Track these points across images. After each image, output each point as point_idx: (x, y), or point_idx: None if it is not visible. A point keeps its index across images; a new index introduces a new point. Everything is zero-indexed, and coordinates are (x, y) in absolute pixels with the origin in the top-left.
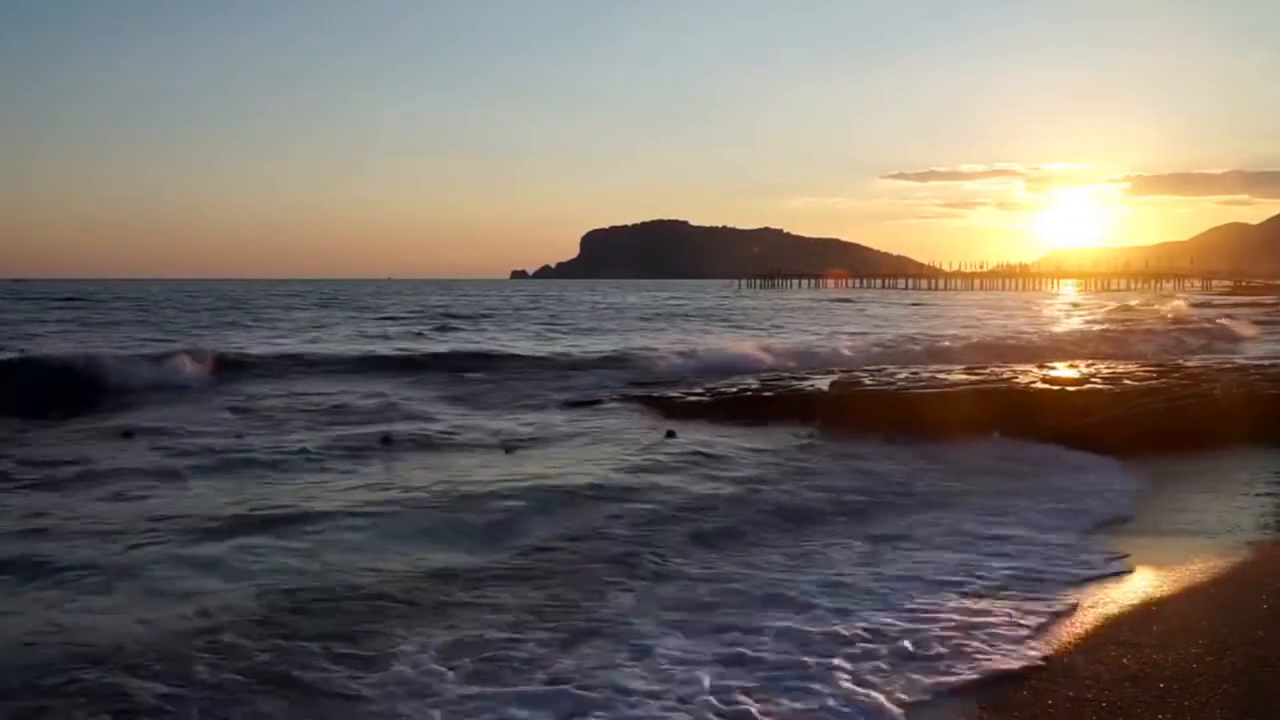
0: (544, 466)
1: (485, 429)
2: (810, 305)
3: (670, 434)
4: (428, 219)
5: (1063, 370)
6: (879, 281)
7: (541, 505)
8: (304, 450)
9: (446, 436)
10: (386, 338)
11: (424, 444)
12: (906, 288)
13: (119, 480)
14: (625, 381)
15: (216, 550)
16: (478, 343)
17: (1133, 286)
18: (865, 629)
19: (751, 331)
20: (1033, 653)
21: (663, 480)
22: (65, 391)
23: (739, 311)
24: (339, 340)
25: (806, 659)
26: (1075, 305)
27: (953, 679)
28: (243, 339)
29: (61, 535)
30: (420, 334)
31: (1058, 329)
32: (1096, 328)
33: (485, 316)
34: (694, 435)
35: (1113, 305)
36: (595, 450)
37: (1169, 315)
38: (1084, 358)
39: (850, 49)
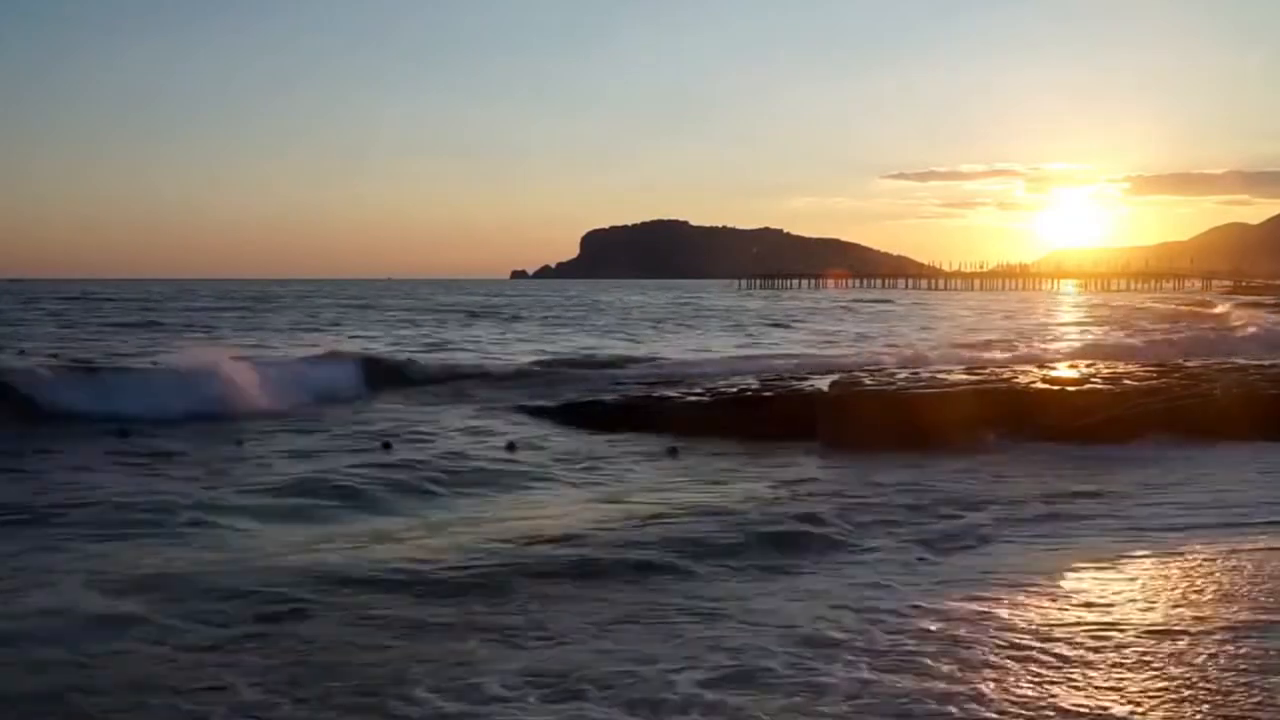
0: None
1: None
2: (853, 305)
3: (672, 451)
4: (428, 219)
5: (1063, 370)
6: (879, 281)
7: None
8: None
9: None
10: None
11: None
12: (907, 287)
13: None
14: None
15: None
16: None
17: (1133, 286)
18: None
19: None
20: None
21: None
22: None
23: (797, 315)
24: (426, 344)
25: None
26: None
27: None
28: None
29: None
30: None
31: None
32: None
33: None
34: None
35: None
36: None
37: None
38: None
39: (850, 49)
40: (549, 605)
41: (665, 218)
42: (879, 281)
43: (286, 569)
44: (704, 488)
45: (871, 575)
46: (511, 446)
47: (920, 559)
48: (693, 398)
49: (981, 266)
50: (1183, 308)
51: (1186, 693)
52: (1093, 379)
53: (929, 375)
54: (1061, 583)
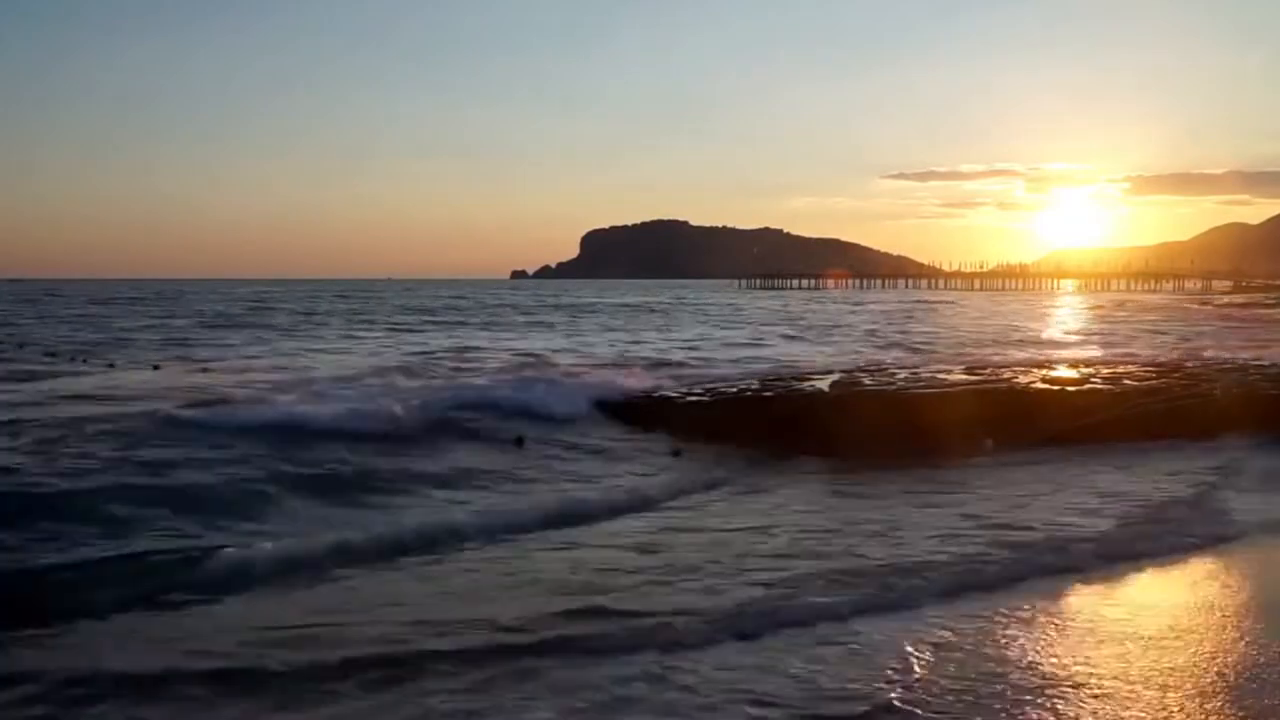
0: None
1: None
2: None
3: (676, 453)
4: (428, 219)
5: (1063, 370)
6: (879, 282)
7: None
8: None
9: None
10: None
11: None
12: (907, 287)
13: None
14: None
15: None
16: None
17: (1133, 287)
18: None
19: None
20: None
21: None
22: None
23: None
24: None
25: None
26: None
27: None
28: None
29: None
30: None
31: None
32: None
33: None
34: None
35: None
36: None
37: None
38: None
39: (850, 49)
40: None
41: (665, 218)
42: (879, 282)
43: None
44: (702, 524)
45: None
46: (520, 441)
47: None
48: (693, 398)
49: (981, 266)
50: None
51: None
52: (1092, 379)
53: (929, 375)
54: None
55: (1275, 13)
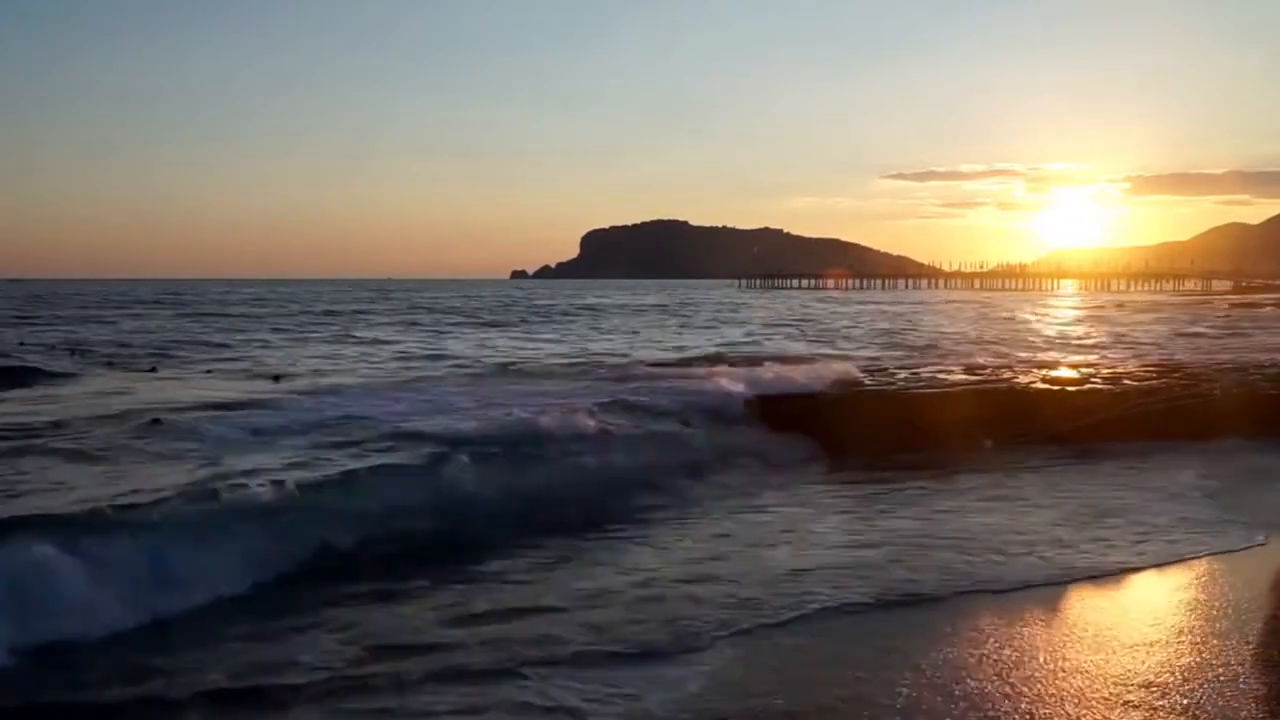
0: None
1: None
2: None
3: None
4: (428, 219)
5: (1063, 370)
6: (879, 282)
7: None
8: None
9: None
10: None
11: None
12: (907, 287)
13: None
14: None
15: None
16: None
17: (1132, 287)
18: None
19: None
20: None
21: None
22: None
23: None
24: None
25: None
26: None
27: None
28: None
29: None
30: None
31: None
32: None
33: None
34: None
35: None
36: None
37: None
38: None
39: (850, 49)
40: None
41: (665, 218)
42: (879, 282)
43: None
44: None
45: None
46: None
47: None
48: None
49: (981, 266)
50: None
51: None
52: (1093, 379)
53: (929, 375)
54: None
55: (1275, 13)
